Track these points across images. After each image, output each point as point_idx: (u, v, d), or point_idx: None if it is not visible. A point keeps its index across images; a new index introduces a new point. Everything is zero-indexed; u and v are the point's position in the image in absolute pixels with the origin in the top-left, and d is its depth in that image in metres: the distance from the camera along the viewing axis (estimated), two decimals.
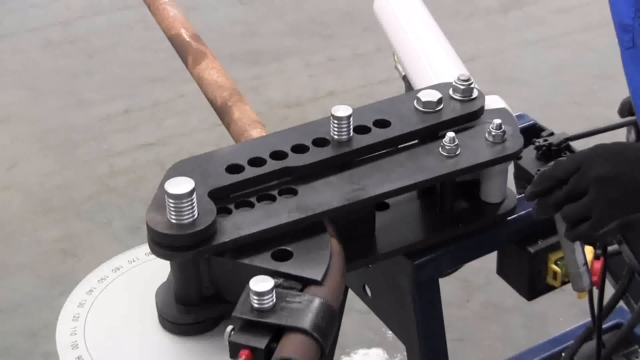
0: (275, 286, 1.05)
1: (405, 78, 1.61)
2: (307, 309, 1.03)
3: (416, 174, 1.23)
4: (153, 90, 4.26)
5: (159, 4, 1.58)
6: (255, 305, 1.02)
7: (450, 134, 1.24)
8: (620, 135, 1.60)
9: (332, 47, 4.52)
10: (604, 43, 4.44)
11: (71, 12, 4.94)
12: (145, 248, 1.23)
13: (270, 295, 1.03)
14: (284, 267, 1.09)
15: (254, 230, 1.11)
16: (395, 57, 1.63)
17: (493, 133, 1.26)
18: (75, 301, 1.21)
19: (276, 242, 1.12)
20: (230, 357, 1.02)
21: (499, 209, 1.34)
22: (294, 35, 4.68)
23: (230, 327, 1.03)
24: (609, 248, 1.61)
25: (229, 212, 1.15)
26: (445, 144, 1.25)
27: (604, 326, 1.94)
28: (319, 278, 1.07)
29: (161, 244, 1.09)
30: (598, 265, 1.44)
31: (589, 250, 1.46)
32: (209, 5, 4.92)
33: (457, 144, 1.25)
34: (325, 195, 1.18)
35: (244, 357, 1.00)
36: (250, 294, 1.02)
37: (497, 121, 1.26)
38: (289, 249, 1.12)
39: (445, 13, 4.74)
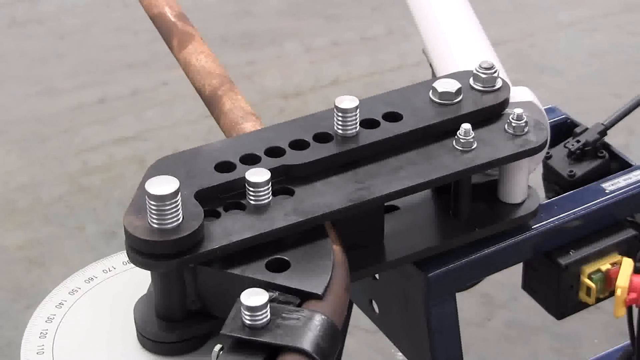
0: (270, 300, 1.05)
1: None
2: (306, 326, 1.02)
3: (428, 171, 1.22)
4: (132, 77, 4.26)
5: None
6: (248, 322, 1.02)
7: (465, 126, 1.24)
8: None
9: (337, 29, 4.53)
10: None
11: None
12: (123, 256, 1.24)
13: (265, 311, 1.02)
14: (280, 278, 1.08)
15: (246, 236, 1.11)
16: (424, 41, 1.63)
17: (514, 124, 1.26)
18: (42, 316, 1.21)
19: (271, 250, 1.12)
20: None
21: (519, 210, 1.34)
22: (293, 15, 4.68)
23: (218, 347, 1.03)
24: None
25: (218, 215, 1.14)
26: (460, 137, 1.24)
27: None
28: (319, 292, 1.06)
29: (141, 252, 1.08)
30: (638, 280, 1.44)
31: (628, 263, 1.47)
32: None
33: (473, 137, 1.24)
34: (325, 196, 1.17)
35: None
36: (242, 309, 1.02)
37: (519, 110, 1.26)
38: (286, 257, 1.11)
39: None
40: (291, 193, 1.18)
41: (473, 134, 1.24)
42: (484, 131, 1.27)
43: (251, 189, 1.14)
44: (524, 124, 1.26)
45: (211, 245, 1.09)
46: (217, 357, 1.02)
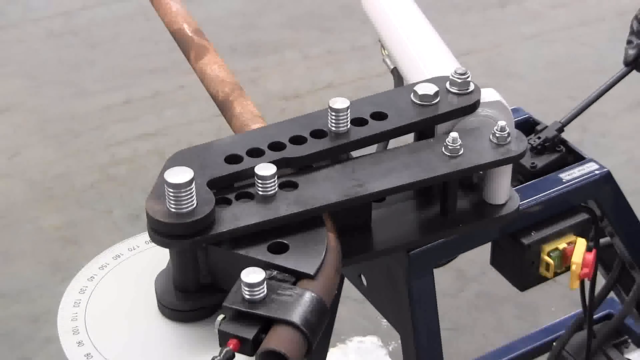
0: (269, 278, 1.04)
1: (394, 71, 1.60)
2: (297, 302, 1.01)
3: (417, 172, 1.20)
4: (153, 81, 4.26)
5: None
6: (247, 296, 1.01)
7: (453, 134, 1.22)
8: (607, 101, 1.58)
9: (331, 40, 4.52)
10: (599, 38, 4.45)
11: (73, 2, 4.93)
12: (145, 236, 1.23)
13: (261, 287, 1.01)
14: (279, 259, 1.08)
15: (251, 222, 1.10)
16: (384, 51, 1.62)
17: (497, 135, 1.24)
18: (76, 288, 1.21)
19: (273, 235, 1.11)
20: (220, 345, 1.01)
21: (501, 210, 1.30)
22: (293, 28, 4.67)
23: (221, 317, 1.03)
24: (601, 240, 1.62)
25: (229, 202, 1.14)
26: (449, 144, 1.22)
27: (594, 317, 1.95)
28: (311, 272, 1.06)
29: (160, 232, 1.08)
30: (590, 257, 1.44)
31: (582, 243, 1.47)
32: None
33: (460, 144, 1.22)
34: (324, 190, 1.16)
35: (231, 346, 0.99)
36: (242, 285, 1.02)
37: (502, 123, 1.24)
38: (286, 242, 1.11)
39: (442, 7, 4.74)
40: (295, 186, 1.17)
41: (460, 142, 1.22)
42: (471, 140, 1.24)
43: (259, 181, 1.13)
44: (506, 135, 1.24)
45: (221, 229, 1.09)
46: (219, 326, 1.02)
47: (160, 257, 1.19)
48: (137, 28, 4.67)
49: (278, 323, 1.00)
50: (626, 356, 1.97)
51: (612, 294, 1.89)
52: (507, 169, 1.27)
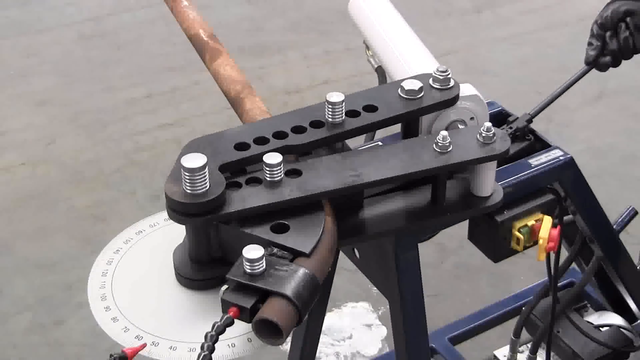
0: (269, 255, 1.03)
1: (378, 69, 1.60)
2: (291, 277, 1.01)
3: (409, 165, 1.19)
4: (171, 78, 4.25)
5: (180, 7, 1.56)
6: (248, 270, 1.01)
7: (443, 133, 1.21)
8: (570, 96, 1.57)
9: (328, 42, 4.51)
10: (562, 40, 4.44)
11: (102, 9, 4.92)
12: (164, 214, 1.23)
13: (260, 262, 1.01)
14: (280, 238, 1.07)
15: (257, 204, 1.10)
16: (368, 52, 1.62)
17: (484, 134, 1.22)
18: (104, 259, 1.21)
19: (277, 216, 1.11)
20: (222, 312, 1.01)
21: (487, 202, 1.29)
22: (294, 31, 4.66)
23: (224, 287, 1.03)
24: (565, 218, 1.61)
25: (240, 186, 1.14)
26: (439, 141, 1.21)
27: (558, 285, 1.94)
28: (307, 251, 1.05)
29: (177, 211, 1.08)
30: (555, 232, 1.44)
31: (548, 220, 1.46)
32: (220, 5, 4.90)
33: (449, 142, 1.21)
34: (324, 178, 1.15)
35: (231, 313, 0.99)
36: (243, 260, 1.02)
37: (488, 124, 1.22)
38: (287, 223, 1.10)
39: (425, 13, 4.73)
40: (299, 173, 1.16)
41: (450, 139, 1.21)
42: (460, 138, 1.23)
43: (267, 168, 1.12)
44: (492, 135, 1.22)
45: (230, 209, 1.09)
46: (222, 294, 1.02)
47: (177, 233, 1.19)
48: (158, 31, 4.65)
49: (273, 295, 0.99)
50: (585, 319, 1.97)
51: (573, 265, 1.89)
52: (492, 165, 1.25)
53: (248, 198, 1.11)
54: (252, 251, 1.01)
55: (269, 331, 0.98)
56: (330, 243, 1.09)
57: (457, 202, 1.27)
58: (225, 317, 0.99)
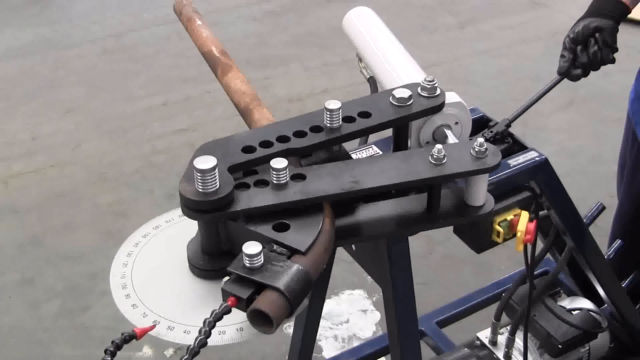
0: (270, 251, 1.03)
1: (370, 80, 1.59)
2: (285, 272, 1.00)
3: (405, 175, 1.17)
4: (185, 88, 4.24)
5: (195, 26, 1.56)
6: (247, 264, 1.00)
7: (438, 146, 1.18)
8: (544, 103, 1.58)
9: (326, 55, 4.51)
10: (537, 53, 4.44)
11: (123, 26, 4.92)
12: (179, 211, 1.22)
13: (258, 257, 1.00)
14: (280, 236, 1.06)
15: (262, 204, 1.09)
16: (361, 64, 1.61)
17: (476, 149, 1.19)
18: (124, 252, 1.20)
19: (280, 216, 1.09)
20: (223, 300, 1.01)
21: (479, 211, 1.25)
22: (296, 45, 4.66)
23: (227, 278, 1.02)
24: (540, 213, 1.61)
25: (248, 187, 1.13)
26: (434, 153, 1.18)
27: (535, 273, 1.94)
28: (303, 249, 1.04)
29: (190, 208, 1.08)
30: (532, 226, 1.43)
31: (525, 215, 1.45)
32: (229, 22, 4.90)
33: (444, 155, 1.18)
34: (326, 183, 1.14)
35: (230, 302, 0.99)
36: (243, 255, 1.01)
37: (481, 140, 1.20)
38: (288, 222, 1.09)
39: (413, 29, 4.73)
40: (303, 178, 1.14)
41: (444, 152, 1.18)
42: (455, 152, 1.20)
43: (273, 172, 1.11)
44: (484, 150, 1.19)
45: (237, 207, 1.08)
46: (223, 284, 1.01)
47: (190, 228, 1.19)
48: (173, 46, 4.65)
49: (268, 288, 0.98)
50: (559, 304, 1.97)
51: (548, 255, 1.88)
52: (485, 178, 1.22)
53: (254, 198, 1.10)
54: (251, 247, 1.01)
55: (262, 320, 0.97)
56: (327, 243, 1.08)
57: (451, 210, 1.25)
58: (223, 305, 0.99)
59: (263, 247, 1.01)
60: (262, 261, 1.01)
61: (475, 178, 1.22)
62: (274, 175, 1.11)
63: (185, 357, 0.95)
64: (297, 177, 1.14)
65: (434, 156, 1.18)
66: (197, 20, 1.56)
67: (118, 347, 0.97)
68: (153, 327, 1.06)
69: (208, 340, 0.98)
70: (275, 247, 1.04)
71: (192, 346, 0.97)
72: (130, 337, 1.00)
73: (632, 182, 2.21)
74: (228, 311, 0.98)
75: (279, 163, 1.11)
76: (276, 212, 1.10)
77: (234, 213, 1.08)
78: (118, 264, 1.18)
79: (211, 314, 0.98)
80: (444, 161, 1.18)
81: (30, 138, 3.88)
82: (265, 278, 0.99)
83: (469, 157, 1.20)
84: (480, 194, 1.24)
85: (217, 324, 0.99)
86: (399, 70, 1.47)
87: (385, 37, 1.56)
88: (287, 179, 1.12)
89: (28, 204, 3.43)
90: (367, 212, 1.24)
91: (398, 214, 1.24)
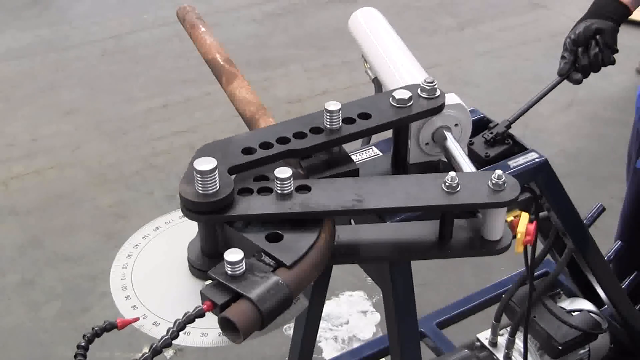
0: (258, 260, 1.01)
1: (374, 81, 1.59)
2: (262, 284, 0.97)
3: (412, 199, 1.11)
4: (185, 89, 4.24)
5: (199, 33, 1.53)
6: (228, 271, 0.99)
7: (452, 174, 1.12)
8: (544, 104, 1.57)
9: (326, 56, 4.51)
10: (537, 54, 4.44)
11: (122, 28, 4.92)
12: (179, 212, 1.22)
13: (239, 265, 0.99)
14: (270, 247, 1.04)
15: (259, 212, 1.08)
16: (366, 64, 1.61)
17: (494, 181, 1.13)
18: (124, 253, 1.20)
19: (277, 226, 1.08)
20: (201, 303, 1.00)
21: (497, 245, 1.19)
22: (296, 47, 4.66)
23: (209, 282, 1.01)
24: (540, 214, 1.61)
25: (251, 193, 1.12)
26: (447, 181, 1.12)
27: (535, 274, 1.94)
28: (288, 263, 1.01)
29: (190, 209, 1.07)
30: (532, 227, 1.43)
31: (525, 216, 1.45)
32: (229, 23, 4.91)
33: (457, 183, 1.12)
34: (328, 198, 1.10)
35: (205, 306, 0.98)
36: (225, 261, 1.00)
37: (499, 172, 1.13)
38: (282, 233, 1.07)
39: (414, 30, 4.73)
40: (308, 190, 1.12)
41: (458, 180, 1.12)
42: (473, 182, 1.14)
43: (277, 181, 1.09)
44: (502, 182, 1.13)
45: (235, 212, 1.07)
46: (203, 287, 1.01)
47: (191, 229, 1.18)
48: (173, 47, 4.65)
49: (242, 297, 0.97)
50: (559, 305, 1.96)
51: (548, 256, 1.88)
52: (501, 212, 1.16)
53: (254, 205, 1.08)
54: (232, 254, 0.99)
55: (231, 329, 0.96)
56: (317, 260, 1.04)
57: (463, 242, 1.19)
58: (198, 308, 0.98)
59: (253, 255, 0.99)
60: (244, 269, 0.99)
61: (491, 211, 1.16)
62: (278, 185, 1.10)
63: (147, 354, 0.94)
64: (302, 188, 1.12)
65: (447, 184, 1.12)
66: (200, 27, 1.53)
67: (97, 334, 0.97)
68: (137, 319, 1.05)
69: (174, 341, 0.96)
70: (264, 257, 1.02)
71: (155, 345, 0.95)
72: (112, 326, 1.00)
73: (634, 179, 2.22)
74: (201, 315, 0.97)
75: (283, 173, 1.09)
76: (274, 221, 1.08)
77: (231, 217, 1.07)
78: (118, 266, 1.18)
79: (183, 316, 0.97)
80: (457, 189, 1.12)
81: (30, 140, 3.88)
82: (240, 287, 0.97)
83: (485, 189, 1.13)
84: (496, 229, 1.18)
85: (202, 325, 0.98)
86: (402, 71, 1.47)
87: (390, 39, 1.56)
88: (292, 189, 1.10)
89: (28, 205, 3.43)
90: (374, 232, 1.20)
91: (407, 239, 1.20)
